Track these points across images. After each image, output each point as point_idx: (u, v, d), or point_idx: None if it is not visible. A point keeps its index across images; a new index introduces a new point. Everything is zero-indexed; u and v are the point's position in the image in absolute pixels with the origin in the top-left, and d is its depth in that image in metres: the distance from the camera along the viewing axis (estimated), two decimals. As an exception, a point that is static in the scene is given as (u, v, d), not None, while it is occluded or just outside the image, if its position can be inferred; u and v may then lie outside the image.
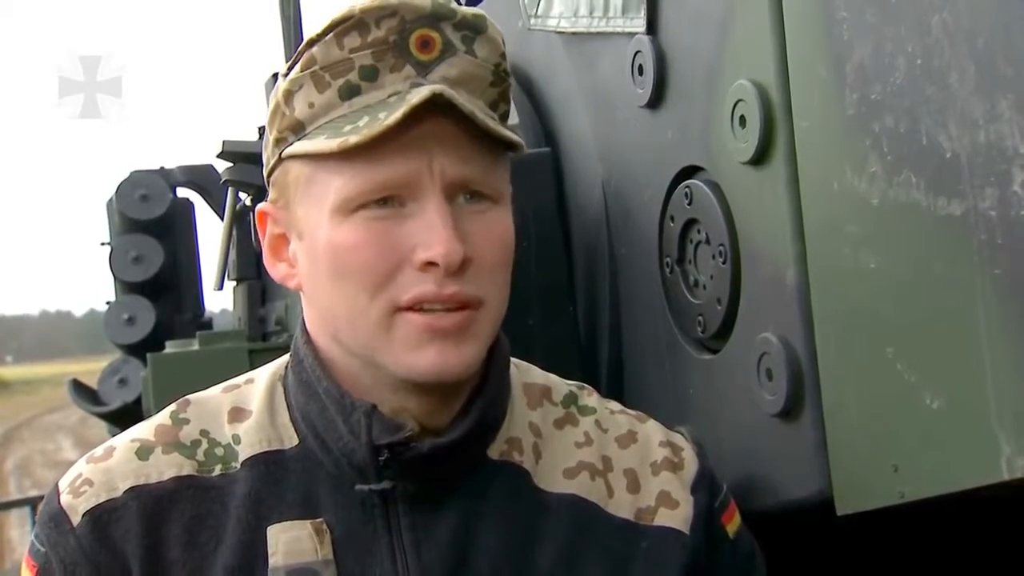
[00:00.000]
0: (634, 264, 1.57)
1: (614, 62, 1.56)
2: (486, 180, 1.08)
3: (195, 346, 2.74)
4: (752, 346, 1.31)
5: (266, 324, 3.19)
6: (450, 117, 1.04)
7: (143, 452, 1.11)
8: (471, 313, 1.07)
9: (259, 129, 2.87)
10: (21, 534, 12.37)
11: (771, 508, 1.32)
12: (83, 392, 4.01)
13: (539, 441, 1.17)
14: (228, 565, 1.07)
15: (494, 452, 1.14)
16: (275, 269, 1.14)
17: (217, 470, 1.11)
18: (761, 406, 1.29)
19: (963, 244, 1.01)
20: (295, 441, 1.12)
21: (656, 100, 1.47)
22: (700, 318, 1.42)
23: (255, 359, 2.55)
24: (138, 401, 3.48)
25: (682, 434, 1.25)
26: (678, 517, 1.16)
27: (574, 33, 1.65)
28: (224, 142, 2.81)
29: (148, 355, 2.68)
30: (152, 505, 1.08)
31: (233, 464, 1.11)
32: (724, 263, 1.35)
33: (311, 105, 1.07)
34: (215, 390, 1.18)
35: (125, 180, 3.91)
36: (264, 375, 1.18)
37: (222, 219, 3.22)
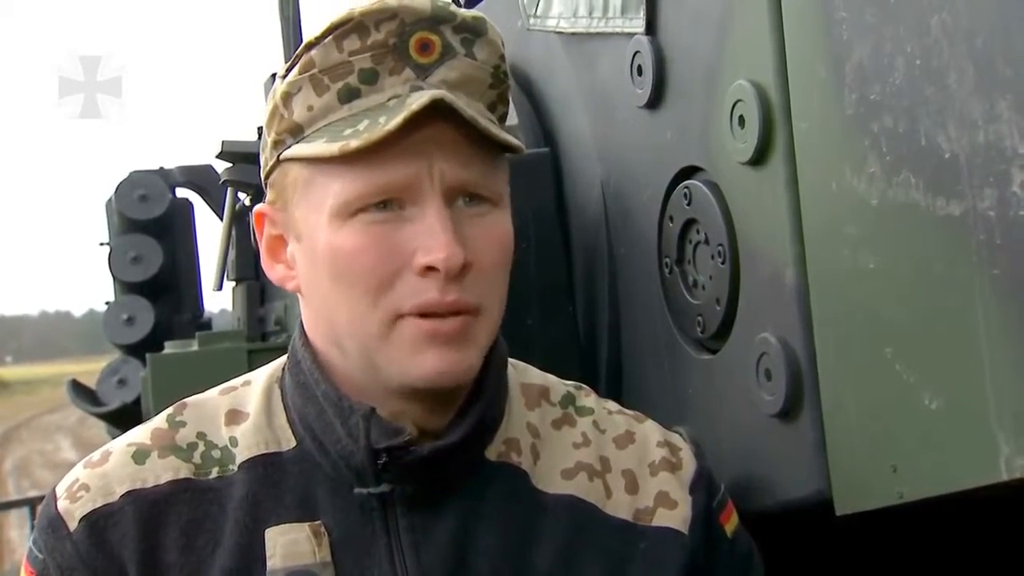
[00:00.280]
0: (633, 264, 1.57)
1: (613, 62, 1.56)
2: (485, 183, 1.07)
3: (194, 346, 2.74)
4: (751, 346, 1.31)
5: (265, 324, 3.19)
6: (450, 121, 1.03)
7: (139, 456, 1.11)
8: (470, 318, 1.06)
9: (258, 130, 2.86)
10: (20, 535, 12.36)
11: (770, 508, 1.32)
12: (82, 392, 4.01)
13: (537, 442, 1.16)
14: (226, 568, 1.07)
15: (492, 453, 1.14)
16: (273, 270, 1.14)
17: (214, 473, 1.11)
18: (760, 406, 1.29)
19: (962, 244, 1.01)
20: (292, 443, 1.12)
21: (655, 100, 1.47)
22: (699, 318, 1.42)
23: (254, 359, 2.55)
24: (137, 401, 3.48)
25: (680, 434, 1.25)
26: (676, 517, 1.16)
27: (573, 33, 1.65)
28: (223, 142, 2.81)
29: (147, 355, 2.68)
30: (149, 509, 1.08)
31: (230, 467, 1.11)
32: (723, 263, 1.35)
33: (310, 108, 1.07)
34: (212, 392, 1.18)
35: (124, 180, 3.91)
36: (261, 377, 1.18)
37: (221, 219, 3.22)
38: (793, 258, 1.24)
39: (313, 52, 1.07)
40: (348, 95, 1.06)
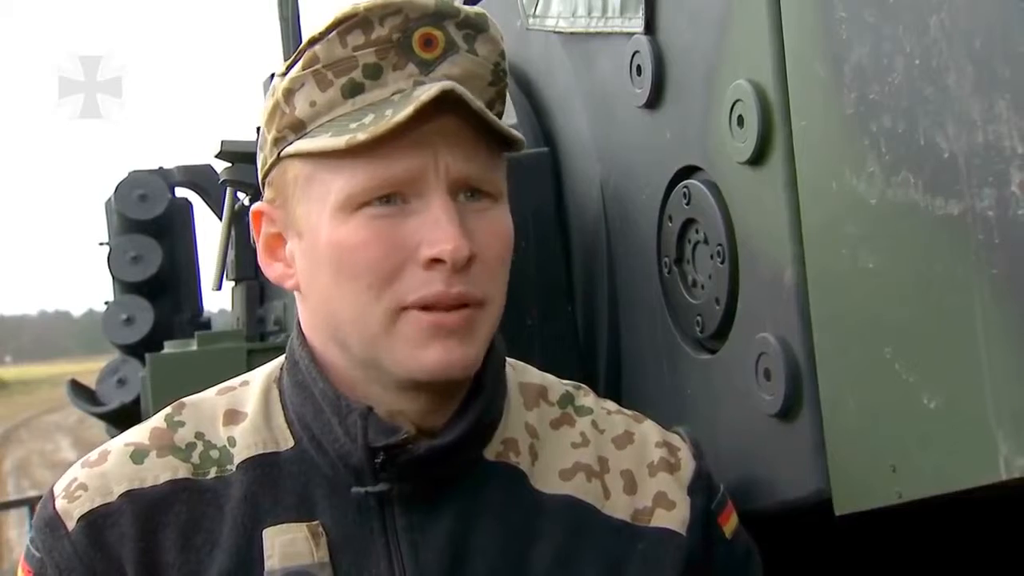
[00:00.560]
0: (632, 264, 1.57)
1: (612, 62, 1.56)
2: (488, 178, 1.08)
3: (194, 346, 2.73)
4: (750, 346, 1.31)
5: (264, 324, 3.19)
6: (455, 114, 1.04)
7: (138, 456, 1.11)
8: (474, 311, 1.06)
9: (257, 129, 2.86)
10: (19, 534, 12.36)
11: (769, 508, 1.32)
12: (81, 392, 4.01)
13: (535, 442, 1.16)
14: (224, 568, 1.07)
15: (490, 453, 1.14)
16: (271, 269, 1.14)
17: (212, 473, 1.11)
18: (759, 406, 1.29)
19: (961, 244, 1.01)
20: (290, 443, 1.12)
21: (654, 100, 1.47)
22: (698, 318, 1.42)
23: (253, 359, 2.55)
24: (136, 401, 3.48)
25: (679, 434, 1.25)
26: (675, 518, 1.16)
27: (572, 33, 1.65)
28: (223, 142, 2.81)
29: (147, 355, 2.68)
30: (147, 509, 1.08)
31: (228, 467, 1.11)
32: (722, 263, 1.35)
33: (312, 104, 1.07)
34: (210, 392, 1.18)
35: (124, 180, 3.90)
36: (259, 377, 1.18)
37: (220, 219, 3.21)
38: (792, 258, 1.24)
39: (317, 47, 1.07)
40: (352, 90, 1.06)
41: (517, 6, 1.79)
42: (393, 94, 1.05)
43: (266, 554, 1.07)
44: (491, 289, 1.08)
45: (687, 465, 1.19)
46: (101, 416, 3.94)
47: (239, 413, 1.14)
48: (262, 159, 1.13)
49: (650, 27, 1.47)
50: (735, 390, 1.35)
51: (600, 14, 1.57)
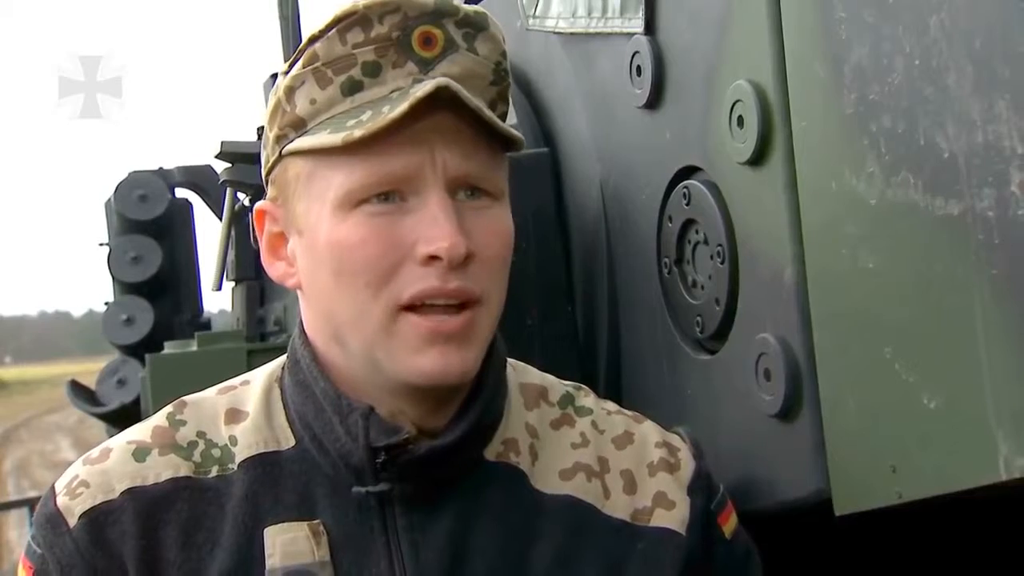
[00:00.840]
0: (632, 264, 1.57)
1: (612, 62, 1.56)
2: (487, 176, 1.08)
3: (193, 347, 2.73)
4: (750, 346, 1.31)
5: (265, 325, 3.19)
6: (453, 112, 1.04)
7: (139, 453, 1.11)
8: (472, 314, 1.06)
9: (258, 130, 2.86)
10: (19, 535, 12.36)
11: (769, 508, 1.32)
12: (81, 393, 4.00)
13: (536, 442, 1.17)
14: (224, 567, 1.07)
15: (491, 453, 1.14)
16: (273, 268, 1.14)
17: (214, 471, 1.11)
18: (759, 406, 1.29)
19: (961, 244, 1.01)
20: (292, 442, 1.12)
21: (654, 100, 1.47)
22: (698, 318, 1.42)
23: (254, 360, 2.54)
24: (136, 402, 3.48)
25: (679, 434, 1.25)
26: (674, 518, 1.16)
27: (572, 33, 1.65)
28: (222, 143, 2.81)
29: (146, 356, 2.68)
30: (148, 506, 1.08)
31: (230, 465, 1.11)
32: (722, 263, 1.35)
33: (313, 101, 1.07)
34: (211, 391, 1.18)
35: (123, 180, 3.90)
36: (260, 376, 1.18)
37: (220, 220, 3.21)
38: (792, 258, 1.24)
39: (316, 45, 1.07)
40: (351, 88, 1.06)
41: (517, 6, 1.79)
42: (392, 92, 1.05)
43: (267, 553, 1.07)
44: (489, 287, 1.08)
45: (687, 465, 1.19)
46: (101, 417, 3.94)
47: (240, 412, 1.14)
48: (265, 157, 1.13)
49: (650, 27, 1.47)
50: (735, 390, 1.35)
51: (600, 14, 1.57)
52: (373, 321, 1.06)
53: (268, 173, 1.13)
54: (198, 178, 3.96)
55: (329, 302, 1.08)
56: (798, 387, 1.24)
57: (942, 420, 1.06)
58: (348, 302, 1.06)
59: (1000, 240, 0.98)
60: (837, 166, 1.16)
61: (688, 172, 1.43)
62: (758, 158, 1.27)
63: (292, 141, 1.08)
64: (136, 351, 3.76)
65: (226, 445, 1.12)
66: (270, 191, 1.13)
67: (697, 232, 1.41)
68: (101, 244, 4.03)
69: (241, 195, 3.04)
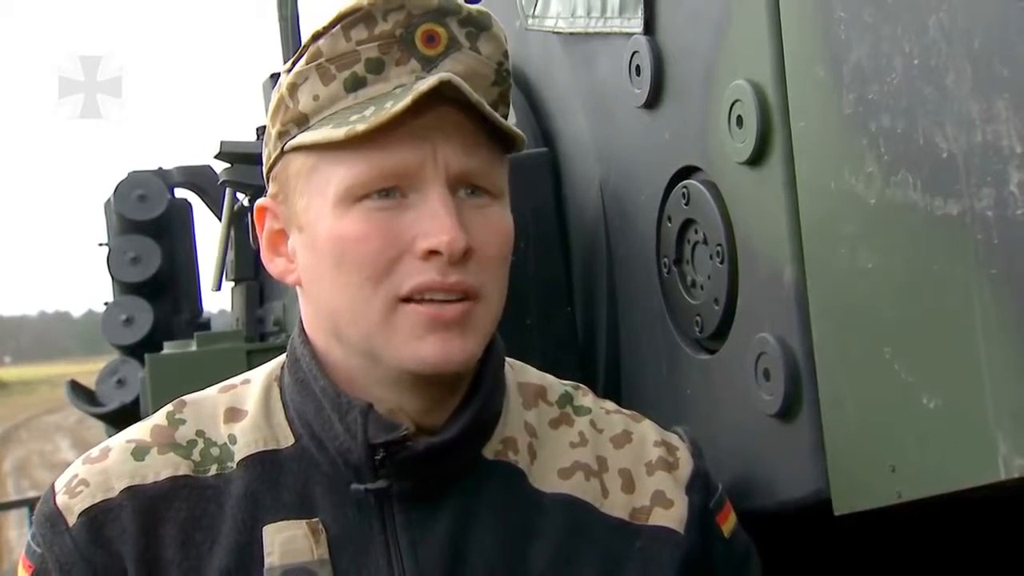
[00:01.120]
0: (632, 264, 1.57)
1: (611, 62, 1.56)
2: (487, 174, 1.08)
3: (193, 347, 2.74)
4: (750, 346, 1.31)
5: (264, 325, 3.19)
6: (455, 108, 1.04)
7: (139, 452, 1.11)
8: (471, 304, 1.07)
9: (257, 130, 2.87)
10: (19, 535, 12.36)
11: (769, 508, 1.32)
12: (81, 393, 4.00)
13: (534, 441, 1.17)
14: (224, 565, 1.07)
15: (489, 452, 1.14)
16: (273, 264, 1.14)
17: (213, 470, 1.11)
18: (759, 406, 1.29)
19: (960, 244, 1.01)
20: (291, 440, 1.12)
21: (653, 100, 1.47)
22: (698, 318, 1.42)
23: (253, 360, 2.55)
24: (136, 402, 3.48)
25: (678, 434, 1.25)
26: (673, 516, 1.16)
27: (571, 33, 1.65)
28: (222, 143, 2.81)
29: (146, 356, 2.68)
30: (148, 505, 1.08)
31: (229, 464, 1.11)
32: (721, 263, 1.36)
33: (316, 97, 1.07)
34: (211, 390, 1.18)
35: (123, 181, 3.90)
36: (260, 375, 1.18)
37: (220, 220, 3.22)
38: (791, 258, 1.24)
39: (320, 42, 1.07)
40: (354, 84, 1.06)
41: (516, 6, 1.79)
42: (395, 88, 1.05)
43: (266, 551, 1.07)
44: (488, 283, 1.08)
45: (685, 464, 1.19)
46: (100, 417, 3.94)
47: (240, 411, 1.14)
48: (267, 154, 1.13)
49: (649, 27, 1.47)
50: (734, 390, 1.35)
51: (599, 14, 1.57)
52: (373, 313, 1.06)
53: (270, 170, 1.13)
54: (197, 178, 3.97)
55: (329, 297, 1.09)
56: (797, 387, 1.24)
57: (941, 420, 1.06)
58: (348, 296, 1.07)
59: (999, 240, 0.98)
60: (836, 166, 1.16)
61: (687, 172, 1.43)
62: (757, 158, 1.27)
63: (294, 137, 1.09)
64: (135, 351, 3.76)
65: (225, 444, 1.12)
66: (271, 188, 1.13)
67: (696, 232, 1.41)
68: (100, 244, 4.03)
69: (240, 195, 3.04)
